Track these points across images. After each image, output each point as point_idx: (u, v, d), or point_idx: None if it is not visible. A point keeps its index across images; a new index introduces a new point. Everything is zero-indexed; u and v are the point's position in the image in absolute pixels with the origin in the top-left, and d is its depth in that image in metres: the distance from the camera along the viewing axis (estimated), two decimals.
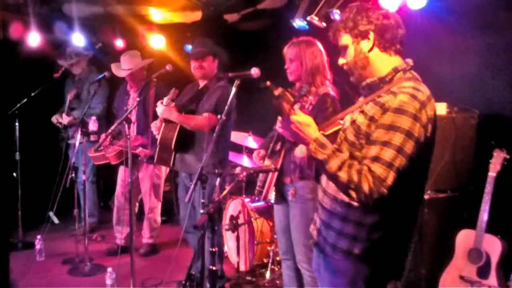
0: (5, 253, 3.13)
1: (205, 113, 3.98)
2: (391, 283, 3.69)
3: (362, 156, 1.94)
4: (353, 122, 2.06)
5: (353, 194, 1.90)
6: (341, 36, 2.15)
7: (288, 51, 3.35)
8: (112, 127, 4.70)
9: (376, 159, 1.88)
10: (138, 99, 4.17)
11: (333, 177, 1.96)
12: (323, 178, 2.18)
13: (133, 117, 5.06)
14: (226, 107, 3.30)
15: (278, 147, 3.26)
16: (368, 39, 2.08)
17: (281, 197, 3.41)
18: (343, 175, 1.91)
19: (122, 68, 5.10)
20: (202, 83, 4.20)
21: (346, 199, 2.01)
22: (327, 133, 2.15)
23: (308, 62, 3.29)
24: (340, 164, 1.93)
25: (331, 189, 2.11)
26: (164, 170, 5.38)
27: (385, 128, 1.90)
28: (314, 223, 2.28)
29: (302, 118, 2.08)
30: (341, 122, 2.21)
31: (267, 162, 3.33)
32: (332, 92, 3.27)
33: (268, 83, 2.37)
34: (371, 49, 2.08)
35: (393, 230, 2.02)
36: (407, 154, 1.87)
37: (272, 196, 3.46)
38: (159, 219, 5.44)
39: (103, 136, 4.99)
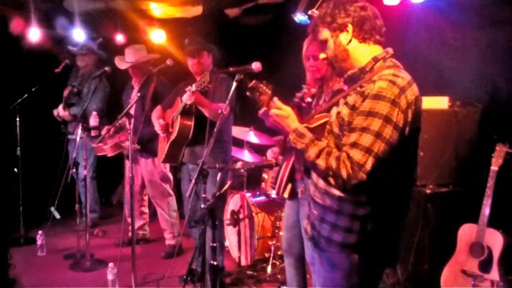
0: (4, 250, 3.13)
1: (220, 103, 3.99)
2: (390, 271, 3.69)
3: (342, 144, 1.95)
4: (338, 114, 2.09)
5: (332, 180, 1.93)
6: (320, 31, 2.16)
7: (310, 48, 3.23)
8: (116, 121, 4.69)
9: (354, 145, 1.89)
10: (138, 94, 4.15)
11: (313, 165, 2.00)
12: (314, 173, 2.18)
13: (132, 112, 5.03)
14: (227, 102, 3.29)
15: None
16: (347, 31, 2.08)
17: (294, 193, 3.39)
18: (321, 163, 1.94)
19: (126, 61, 5.09)
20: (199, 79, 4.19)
21: (337, 192, 2.03)
22: (313, 126, 2.16)
23: None
24: (318, 152, 1.96)
25: (322, 183, 2.11)
26: (161, 164, 5.18)
27: (364, 115, 1.91)
28: (307, 217, 2.28)
29: (280, 111, 2.11)
30: (327, 114, 2.22)
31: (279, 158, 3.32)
32: (345, 88, 3.23)
33: (241, 76, 2.40)
34: (350, 41, 2.09)
35: (386, 220, 2.04)
36: (386, 139, 1.88)
37: (286, 193, 3.43)
38: (174, 214, 5.21)
39: (105, 129, 4.97)
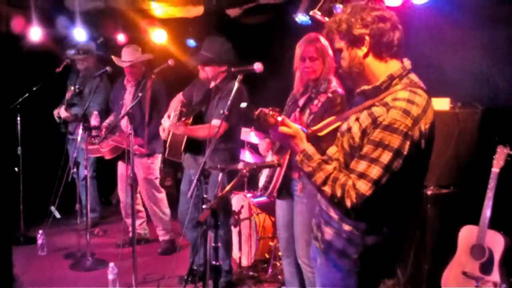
0: (8, 248, 3.13)
1: (215, 120, 3.90)
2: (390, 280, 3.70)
3: (351, 168, 1.93)
4: (349, 129, 2.04)
5: (336, 207, 1.96)
6: (335, 40, 2.06)
7: (307, 49, 3.27)
8: (109, 121, 4.72)
9: (362, 175, 1.87)
10: (139, 94, 4.12)
11: (318, 190, 2.00)
12: None
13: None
14: (229, 102, 3.29)
15: None
16: (364, 44, 1.98)
17: (287, 192, 3.40)
18: (327, 189, 1.94)
19: (123, 60, 5.09)
20: (212, 83, 4.11)
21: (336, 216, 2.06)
22: (322, 133, 2.14)
23: (330, 59, 3.27)
24: (324, 178, 1.95)
25: None
26: (157, 165, 5.32)
27: (374, 145, 1.87)
28: (315, 217, 2.30)
29: (287, 130, 2.07)
30: (336, 119, 2.20)
31: (273, 158, 3.32)
32: (340, 90, 3.26)
33: (244, 104, 2.39)
34: (366, 55, 1.99)
35: (387, 235, 2.03)
36: (394, 171, 1.85)
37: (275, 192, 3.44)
38: (167, 210, 5.29)
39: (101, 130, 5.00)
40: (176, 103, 4.36)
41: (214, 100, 4.01)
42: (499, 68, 3.78)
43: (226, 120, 3.81)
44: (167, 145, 4.13)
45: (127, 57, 5.07)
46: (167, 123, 3.99)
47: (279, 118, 2.06)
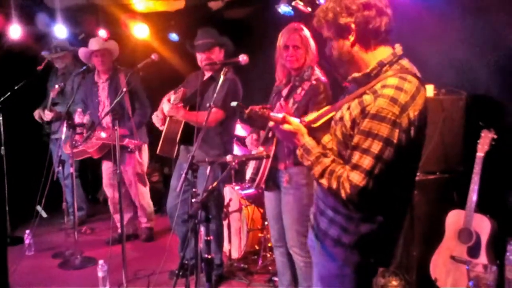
0: (3, 252, 3.11)
1: (216, 108, 3.89)
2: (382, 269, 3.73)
3: (347, 160, 1.95)
4: (341, 118, 2.04)
5: (334, 198, 1.98)
6: (323, 28, 2.07)
7: (291, 38, 3.29)
8: (86, 120, 4.73)
9: (355, 167, 1.88)
10: (124, 89, 4.09)
11: (317, 182, 2.04)
12: None
13: (106, 108, 5.05)
14: (215, 95, 3.29)
15: (270, 134, 3.25)
16: (350, 33, 1.98)
17: (274, 184, 3.41)
18: (324, 182, 1.96)
19: (92, 49, 5.15)
20: (207, 74, 4.13)
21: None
22: (316, 125, 2.15)
23: (313, 48, 3.30)
24: (321, 171, 1.97)
25: None
26: (146, 157, 5.39)
27: (364, 135, 1.88)
28: (313, 206, 2.30)
29: (289, 127, 2.08)
30: (330, 109, 2.21)
31: (260, 149, 3.32)
32: (323, 78, 3.28)
33: (234, 103, 2.41)
34: (353, 44, 1.99)
35: (382, 224, 2.03)
36: (386, 161, 1.86)
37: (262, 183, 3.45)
38: (151, 202, 5.53)
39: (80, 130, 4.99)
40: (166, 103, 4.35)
41: (209, 91, 4.01)
42: (481, 54, 3.81)
43: (223, 109, 3.86)
44: (161, 139, 4.11)
45: (94, 46, 5.07)
46: (167, 107, 3.96)
47: (280, 115, 2.08)
